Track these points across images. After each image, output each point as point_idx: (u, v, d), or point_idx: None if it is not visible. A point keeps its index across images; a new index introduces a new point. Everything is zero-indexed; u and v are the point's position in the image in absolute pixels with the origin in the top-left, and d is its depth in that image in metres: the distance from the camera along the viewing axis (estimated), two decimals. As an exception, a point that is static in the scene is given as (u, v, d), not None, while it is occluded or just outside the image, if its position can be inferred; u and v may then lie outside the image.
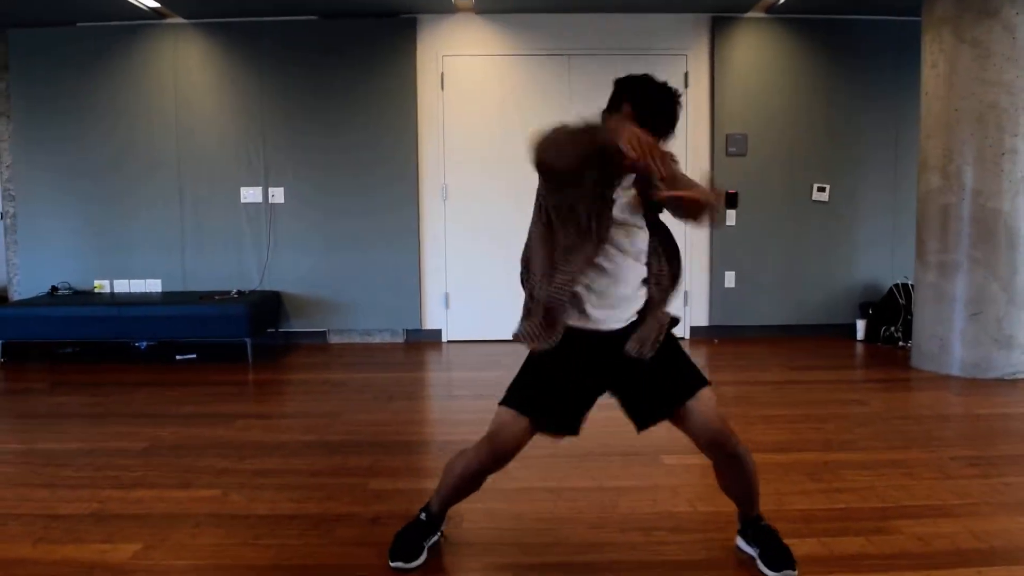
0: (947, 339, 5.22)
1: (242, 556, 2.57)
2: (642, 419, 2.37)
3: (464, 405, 4.68)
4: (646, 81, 2.35)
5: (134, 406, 4.60)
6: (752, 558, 2.49)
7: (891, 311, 6.30)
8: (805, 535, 2.69)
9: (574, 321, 2.33)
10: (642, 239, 2.35)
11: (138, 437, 3.91)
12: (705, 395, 2.33)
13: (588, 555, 2.56)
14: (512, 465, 3.25)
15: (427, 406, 4.82)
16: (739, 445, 2.34)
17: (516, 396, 2.36)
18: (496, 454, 2.35)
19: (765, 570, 2.42)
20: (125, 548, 2.63)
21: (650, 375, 2.32)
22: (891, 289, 6.34)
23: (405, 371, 5.62)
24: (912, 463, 3.46)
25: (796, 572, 2.40)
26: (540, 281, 2.33)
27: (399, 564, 2.43)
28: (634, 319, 2.36)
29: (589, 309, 2.32)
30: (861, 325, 6.48)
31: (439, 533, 2.59)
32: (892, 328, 6.27)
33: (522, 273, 2.46)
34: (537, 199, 2.38)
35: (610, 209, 2.27)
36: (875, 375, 5.35)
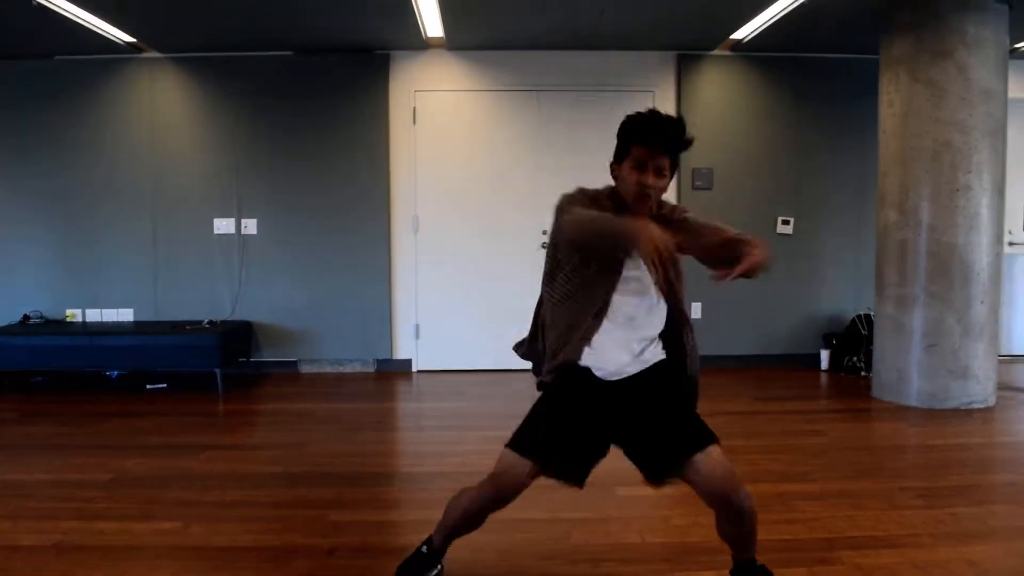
0: (905, 370, 5.34)
1: (199, 589, 2.62)
2: (652, 472, 2.35)
3: (430, 436, 4.75)
4: (635, 117, 2.36)
5: (101, 437, 4.63)
6: None
7: (854, 341, 6.44)
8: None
9: (585, 361, 2.38)
10: (652, 295, 2.41)
11: (103, 468, 3.94)
12: (714, 451, 2.26)
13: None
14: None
15: (393, 437, 4.88)
16: (746, 500, 2.27)
17: (523, 439, 2.35)
18: (499, 494, 2.36)
19: None
20: (84, 582, 2.67)
21: (656, 427, 2.31)
22: (854, 320, 6.48)
23: (374, 401, 5.68)
24: (861, 494, 3.55)
25: None
26: (553, 348, 2.44)
27: None
28: (644, 369, 2.39)
29: (596, 358, 2.38)
30: (825, 355, 6.61)
31: (439, 567, 2.61)
32: (855, 358, 6.40)
33: (535, 332, 2.57)
34: (550, 250, 2.46)
35: (620, 272, 2.36)
36: (836, 405, 5.47)
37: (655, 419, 2.31)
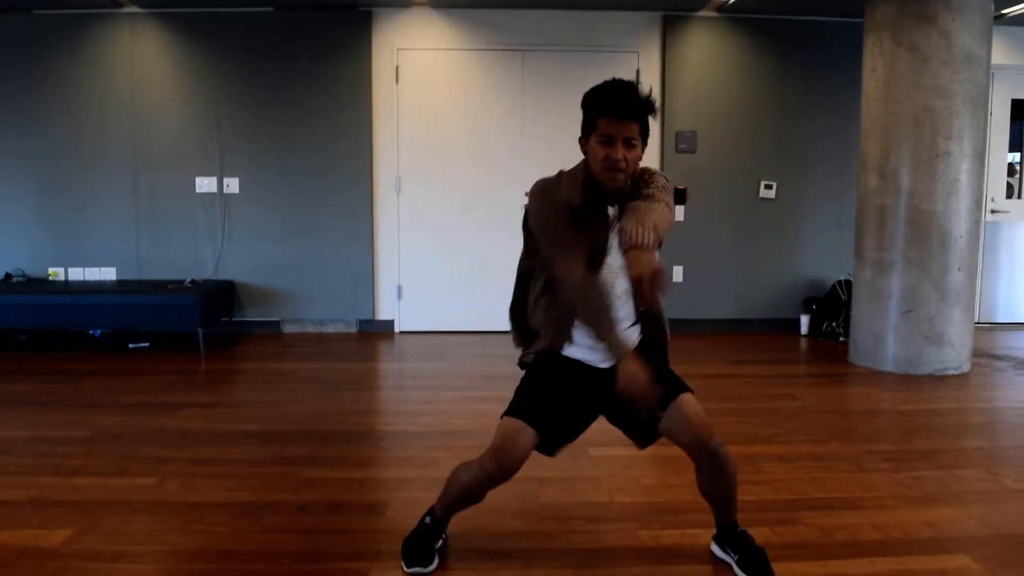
0: (881, 335, 5.40)
1: (171, 542, 2.66)
2: (638, 436, 2.44)
3: (407, 396, 4.80)
4: (597, 88, 2.30)
5: (82, 395, 4.65)
6: (731, 564, 2.54)
7: (834, 307, 6.49)
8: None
9: (568, 352, 2.40)
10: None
11: (82, 426, 3.97)
12: (686, 398, 2.35)
13: (503, 543, 2.68)
14: (443, 455, 3.38)
15: (370, 396, 4.91)
16: (721, 445, 2.34)
17: (522, 407, 2.36)
18: (503, 465, 2.32)
19: None
20: (58, 534, 2.71)
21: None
22: (834, 285, 6.53)
23: (354, 361, 5.71)
24: (829, 456, 3.62)
25: None
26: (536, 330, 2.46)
27: (417, 570, 2.45)
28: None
29: (578, 349, 2.39)
30: (805, 320, 6.66)
31: (444, 537, 2.60)
32: (834, 323, 6.45)
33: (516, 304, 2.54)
34: (525, 234, 2.45)
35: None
36: (811, 370, 5.53)
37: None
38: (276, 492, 3.11)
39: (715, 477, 2.41)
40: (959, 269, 5.23)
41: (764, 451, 3.68)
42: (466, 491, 2.44)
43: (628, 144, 2.24)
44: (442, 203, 6.55)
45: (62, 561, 2.51)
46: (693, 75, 6.54)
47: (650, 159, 6.54)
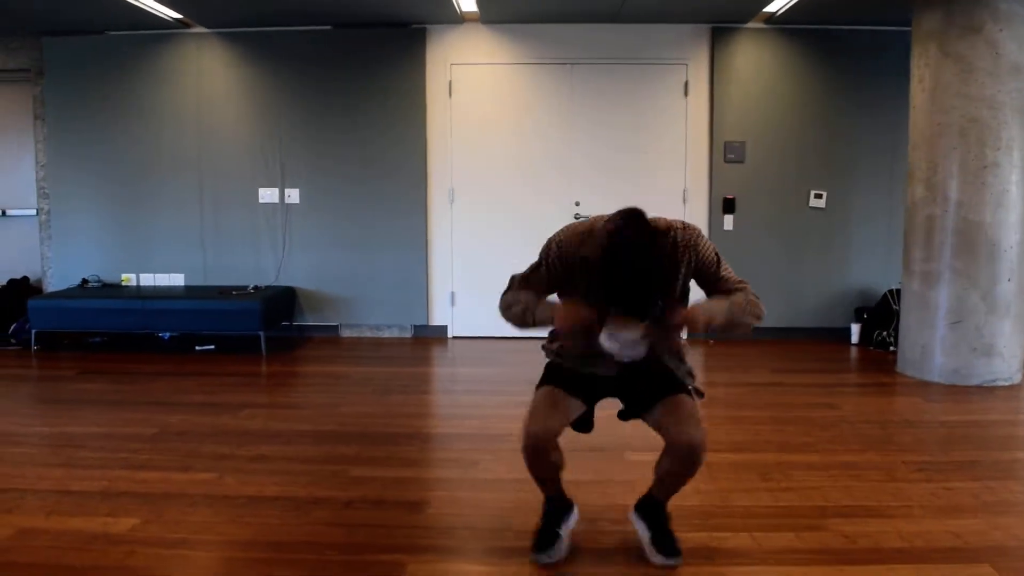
0: (929, 346, 5.39)
1: (226, 532, 2.88)
2: (626, 411, 2.73)
3: (455, 399, 4.98)
4: (610, 273, 2.35)
5: (150, 394, 4.95)
6: (642, 537, 2.73)
7: (885, 316, 6.47)
8: (739, 529, 2.93)
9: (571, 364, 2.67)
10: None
11: (149, 423, 4.25)
12: (682, 398, 2.59)
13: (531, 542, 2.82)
14: (486, 457, 3.55)
15: (419, 400, 5.11)
16: (702, 449, 2.52)
17: (550, 380, 2.65)
18: (531, 432, 2.50)
19: (654, 554, 2.66)
20: (125, 521, 2.96)
21: (643, 379, 2.62)
22: (885, 295, 6.50)
23: (407, 366, 5.92)
24: (862, 466, 3.67)
25: (680, 561, 2.64)
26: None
27: (539, 557, 2.65)
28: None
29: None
30: (856, 329, 6.65)
31: (570, 507, 2.79)
32: (885, 333, 6.43)
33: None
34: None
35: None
36: (857, 379, 5.55)
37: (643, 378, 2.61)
38: (324, 489, 3.31)
39: (679, 469, 2.59)
40: (1009, 280, 5.19)
41: (796, 459, 3.74)
42: (529, 463, 2.59)
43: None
44: (493, 212, 6.73)
45: (128, 546, 2.75)
46: (742, 86, 6.60)
47: (699, 170, 6.64)
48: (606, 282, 2.33)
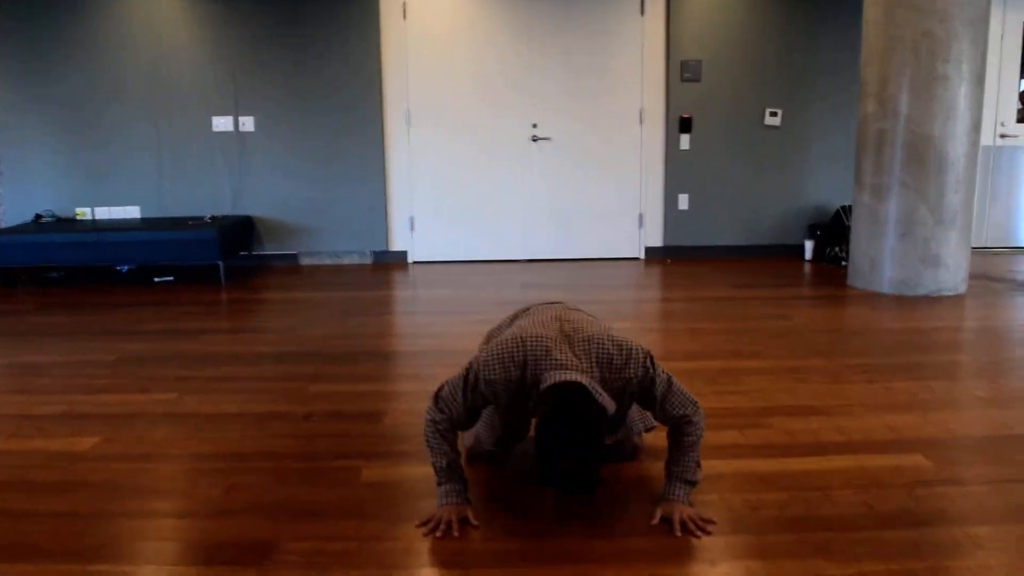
0: (878, 258, 5.53)
1: (187, 447, 2.94)
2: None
3: (413, 320, 5.03)
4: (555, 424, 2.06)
5: (109, 325, 4.95)
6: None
7: (837, 232, 6.60)
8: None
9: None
10: None
11: (108, 351, 4.27)
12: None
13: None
14: (443, 371, 3.59)
15: (378, 321, 5.14)
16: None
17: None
18: None
19: None
20: (86, 440, 3.00)
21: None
22: (838, 211, 6.63)
23: (367, 290, 5.95)
24: (808, 370, 3.81)
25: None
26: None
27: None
28: None
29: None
30: (809, 245, 6.78)
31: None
32: (837, 248, 6.57)
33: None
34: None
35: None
36: (809, 293, 5.68)
37: None
38: (284, 404, 3.38)
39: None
40: (956, 192, 5.31)
41: (746, 365, 3.87)
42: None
43: None
44: (451, 136, 6.71)
45: (90, 463, 2.80)
46: (698, 4, 6.57)
47: (655, 89, 6.64)
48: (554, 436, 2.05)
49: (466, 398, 2.31)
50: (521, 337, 2.24)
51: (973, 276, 5.92)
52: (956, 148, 5.27)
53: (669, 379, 2.34)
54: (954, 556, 2.12)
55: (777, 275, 6.23)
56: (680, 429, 2.37)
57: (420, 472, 2.67)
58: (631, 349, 2.27)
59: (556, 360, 2.17)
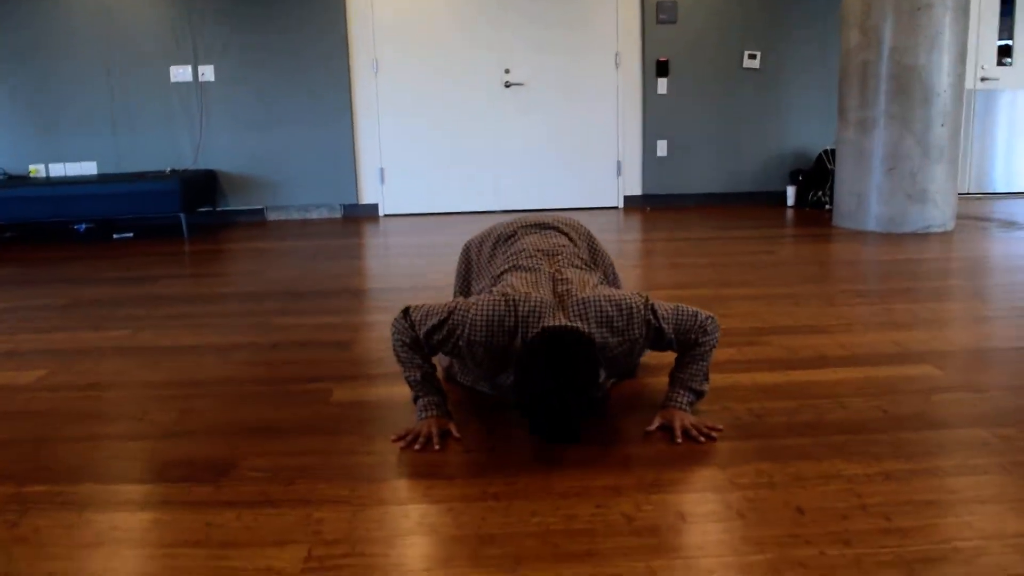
0: (864, 195, 5.37)
1: (139, 376, 2.69)
2: None
3: (384, 262, 4.80)
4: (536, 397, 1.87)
5: (62, 274, 4.67)
6: None
7: (820, 177, 6.44)
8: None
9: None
10: None
11: (61, 296, 4.00)
12: None
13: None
14: (415, 302, 3.36)
15: (348, 264, 4.90)
16: None
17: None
18: None
19: None
20: (31, 373, 2.75)
21: None
22: (820, 155, 6.47)
23: (336, 240, 5.70)
24: (801, 295, 3.63)
25: None
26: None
27: None
28: None
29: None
30: (791, 191, 6.62)
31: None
32: (820, 192, 6.42)
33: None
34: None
35: None
36: (794, 232, 5.52)
37: None
38: (247, 336, 3.14)
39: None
40: (942, 125, 5.16)
41: (735, 293, 3.69)
42: None
43: None
44: (420, 84, 6.45)
45: (32, 393, 2.55)
46: (674, -59, 6.35)
47: (631, 32, 6.42)
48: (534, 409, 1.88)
49: (435, 341, 2.08)
50: (513, 300, 2.03)
51: (959, 217, 5.79)
52: (942, 79, 5.11)
53: (676, 311, 2.12)
54: (983, 453, 1.95)
55: (760, 219, 6.07)
56: (695, 342, 2.16)
57: (398, 391, 2.45)
58: (630, 306, 2.05)
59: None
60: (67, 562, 1.55)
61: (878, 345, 2.88)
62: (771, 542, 1.57)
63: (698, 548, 1.56)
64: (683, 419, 2.13)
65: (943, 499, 1.72)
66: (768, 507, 1.71)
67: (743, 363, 2.70)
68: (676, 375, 2.20)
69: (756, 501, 1.74)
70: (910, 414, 2.22)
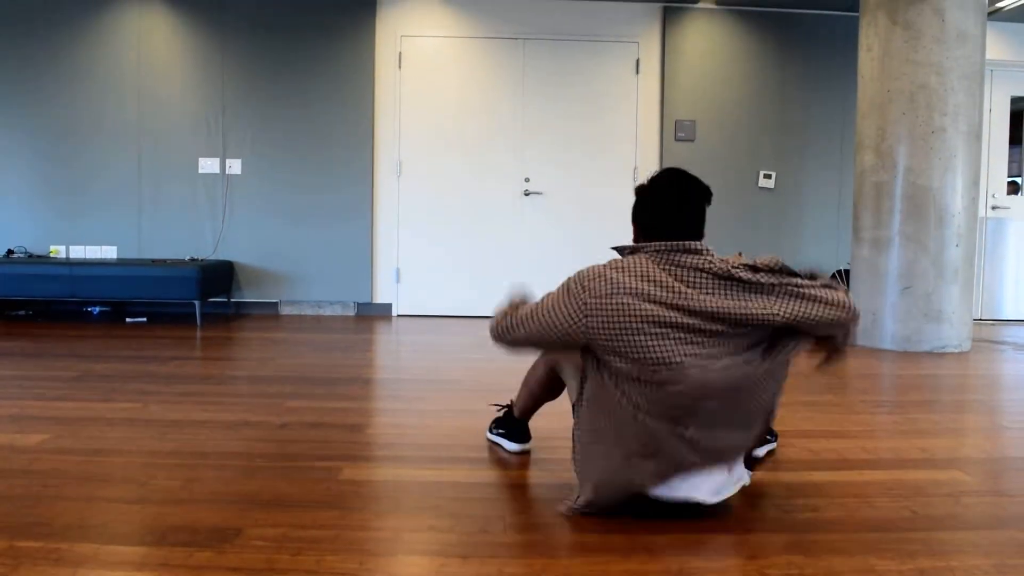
0: (879, 314, 5.35)
1: (146, 445, 2.63)
2: None
3: (400, 355, 4.76)
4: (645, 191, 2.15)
5: (75, 350, 4.63)
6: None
7: (834, 295, 6.44)
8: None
9: None
10: None
11: (72, 369, 3.96)
12: None
13: (480, 453, 2.64)
14: (433, 395, 3.36)
15: (363, 356, 4.86)
16: None
17: None
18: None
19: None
20: (35, 436, 2.69)
21: None
22: (834, 275, 6.49)
23: (348, 334, 5.68)
24: (821, 403, 3.57)
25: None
26: None
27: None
28: None
29: None
30: (805, 309, 6.60)
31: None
32: (834, 311, 6.39)
33: None
34: None
35: None
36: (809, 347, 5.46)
37: None
38: (258, 415, 3.08)
39: None
40: (956, 245, 5.19)
41: (755, 396, 3.62)
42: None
43: None
44: (442, 188, 6.57)
45: (34, 454, 2.49)
46: (692, 65, 6.58)
47: (650, 147, 6.58)
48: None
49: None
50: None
51: (973, 339, 5.75)
52: (956, 200, 5.17)
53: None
54: (1022, 555, 1.86)
55: (774, 334, 6.02)
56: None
57: (409, 474, 2.38)
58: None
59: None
60: (61, 614, 1.47)
61: (902, 451, 2.80)
62: (807, 629, 1.48)
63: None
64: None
65: (986, 596, 1.64)
66: (801, 596, 1.62)
67: (766, 467, 2.61)
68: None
69: (788, 589, 1.65)
70: (942, 515, 2.13)
